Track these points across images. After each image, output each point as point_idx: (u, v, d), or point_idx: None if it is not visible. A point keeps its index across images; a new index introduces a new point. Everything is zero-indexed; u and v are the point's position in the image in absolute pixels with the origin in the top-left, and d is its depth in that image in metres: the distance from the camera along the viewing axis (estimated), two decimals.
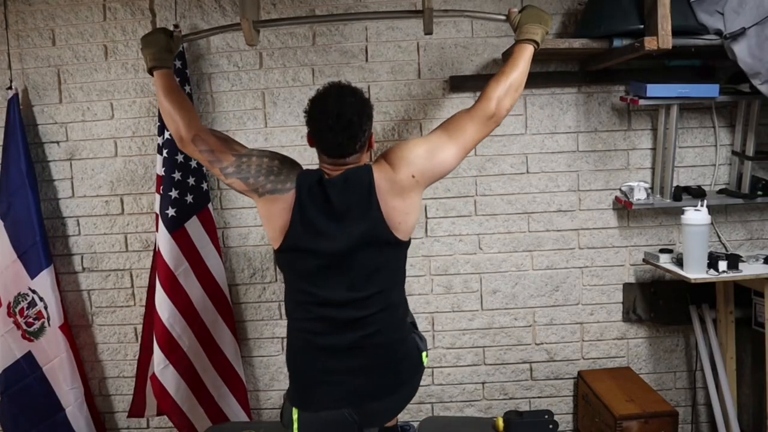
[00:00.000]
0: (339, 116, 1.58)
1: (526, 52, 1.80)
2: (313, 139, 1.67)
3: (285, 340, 2.75)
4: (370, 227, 1.62)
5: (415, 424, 2.35)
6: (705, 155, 2.64)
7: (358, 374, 1.66)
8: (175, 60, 2.20)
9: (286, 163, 1.71)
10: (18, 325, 2.60)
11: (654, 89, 2.34)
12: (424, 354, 1.79)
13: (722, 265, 2.25)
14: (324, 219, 1.62)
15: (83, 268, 2.75)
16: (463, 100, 2.60)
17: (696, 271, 2.27)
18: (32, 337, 2.61)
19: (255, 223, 2.70)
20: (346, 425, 1.66)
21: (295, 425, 1.70)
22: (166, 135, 2.47)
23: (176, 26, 2.46)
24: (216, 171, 1.74)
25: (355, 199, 1.62)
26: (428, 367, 2.74)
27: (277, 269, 2.72)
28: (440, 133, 1.71)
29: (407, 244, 1.71)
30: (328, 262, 1.64)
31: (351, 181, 1.62)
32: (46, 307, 2.57)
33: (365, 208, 1.61)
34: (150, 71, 1.90)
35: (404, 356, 1.73)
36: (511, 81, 1.73)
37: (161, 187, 2.51)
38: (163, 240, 2.49)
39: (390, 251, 1.67)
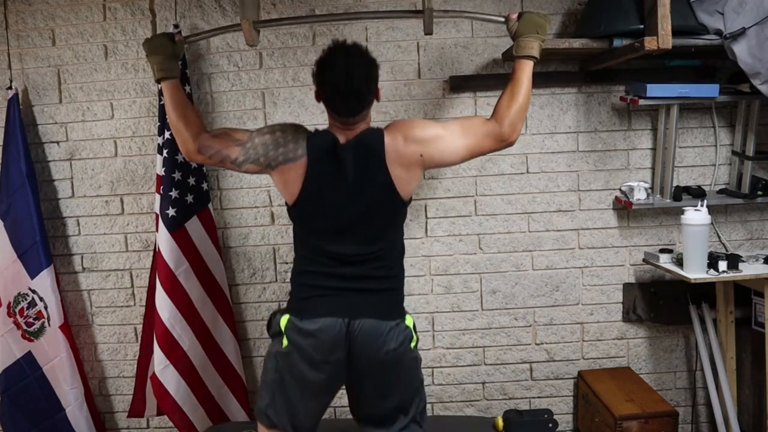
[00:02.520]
0: (348, 84, 1.63)
1: (527, 70, 1.82)
2: (322, 101, 1.73)
3: None
4: (379, 191, 1.72)
5: None
6: (705, 155, 2.64)
7: (356, 294, 1.76)
8: None
9: (290, 131, 1.76)
10: (18, 325, 2.60)
11: (654, 89, 2.34)
12: (408, 317, 1.82)
13: (722, 265, 2.26)
14: (337, 183, 1.72)
15: (83, 268, 2.75)
16: (463, 100, 2.61)
17: (696, 271, 2.27)
18: (32, 337, 2.61)
19: (255, 223, 2.70)
20: (334, 333, 1.72)
21: (284, 334, 1.74)
22: (166, 135, 2.47)
23: (176, 26, 2.47)
24: (230, 166, 1.81)
25: (367, 163, 1.71)
26: (428, 367, 2.74)
27: (278, 270, 2.72)
28: (457, 127, 1.79)
29: (409, 202, 1.82)
30: (340, 223, 1.74)
31: (363, 146, 1.72)
32: (46, 307, 2.57)
33: (375, 173, 1.71)
34: (158, 81, 1.91)
35: (395, 290, 1.83)
36: (521, 103, 1.78)
37: (161, 187, 2.51)
38: (163, 240, 2.49)
39: (395, 211, 1.80)
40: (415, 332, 1.82)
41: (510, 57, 2.18)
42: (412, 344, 1.79)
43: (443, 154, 1.75)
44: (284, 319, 1.76)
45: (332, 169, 1.71)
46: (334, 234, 1.75)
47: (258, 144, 1.75)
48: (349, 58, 1.65)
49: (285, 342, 1.74)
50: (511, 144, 1.80)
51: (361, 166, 1.71)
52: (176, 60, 1.94)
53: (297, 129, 1.78)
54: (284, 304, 2.71)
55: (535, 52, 1.83)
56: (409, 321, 1.81)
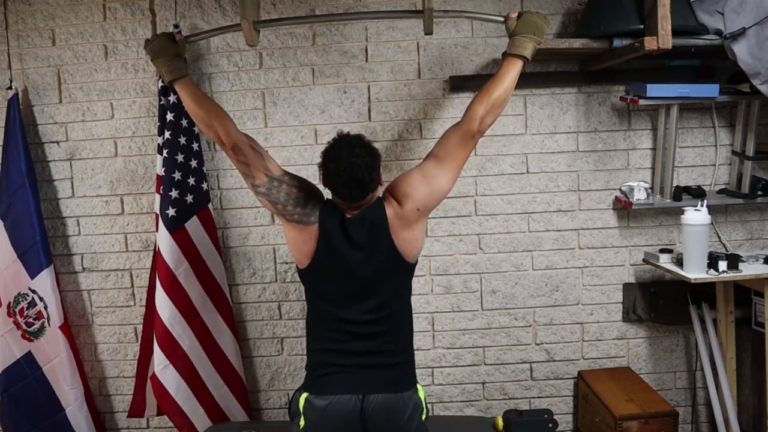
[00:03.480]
0: (351, 177, 1.71)
1: (514, 68, 1.84)
2: (328, 188, 1.80)
3: (284, 340, 2.76)
4: (386, 258, 1.79)
5: None
6: (705, 155, 2.64)
7: (368, 370, 1.80)
8: None
9: (311, 195, 1.83)
10: (18, 325, 2.60)
11: (654, 89, 2.34)
12: (419, 386, 1.87)
13: (722, 265, 2.26)
14: (346, 253, 1.78)
15: (83, 268, 2.75)
16: (463, 100, 2.60)
17: (696, 271, 2.27)
18: (32, 337, 2.61)
19: (255, 223, 2.70)
20: (350, 409, 1.76)
21: (302, 411, 1.80)
22: (166, 135, 2.47)
23: (176, 26, 2.46)
24: (247, 181, 1.86)
25: (372, 235, 1.78)
26: (428, 367, 2.74)
27: (278, 270, 2.72)
28: (433, 162, 1.84)
29: (416, 264, 1.89)
30: (349, 289, 1.80)
31: (368, 220, 1.78)
32: (46, 307, 2.57)
33: (381, 243, 1.78)
34: (170, 83, 1.92)
35: (405, 362, 1.86)
36: (494, 99, 1.82)
37: (161, 187, 2.51)
38: (163, 240, 2.49)
39: (402, 275, 1.87)
40: (426, 404, 1.87)
41: None
42: (423, 417, 1.84)
43: (434, 194, 1.82)
44: (302, 399, 1.82)
45: (341, 241, 1.78)
46: (344, 300, 1.81)
47: (283, 190, 1.81)
48: (351, 150, 1.72)
49: (302, 422, 1.80)
50: (480, 136, 1.85)
51: (367, 238, 1.78)
52: (181, 59, 1.95)
53: (316, 195, 1.85)
54: (284, 305, 2.74)
55: (527, 53, 1.84)
56: (420, 392, 1.85)
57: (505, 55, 1.84)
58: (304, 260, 1.81)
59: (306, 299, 1.92)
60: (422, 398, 1.85)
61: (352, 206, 1.79)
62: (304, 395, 1.81)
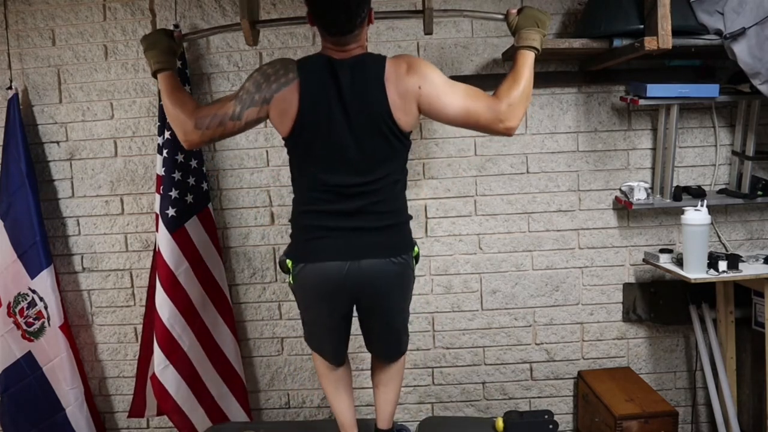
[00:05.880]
0: None
1: (529, 60, 1.80)
2: (312, 17, 1.70)
3: (284, 340, 2.76)
4: (377, 111, 1.68)
5: (415, 424, 2.34)
6: (705, 155, 2.64)
7: (358, 233, 1.76)
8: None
9: (278, 62, 1.76)
10: (18, 325, 2.60)
11: (654, 89, 2.34)
12: (415, 247, 1.87)
13: (722, 265, 2.25)
14: (333, 100, 1.67)
15: (83, 268, 2.75)
16: None
17: (696, 271, 2.27)
18: (32, 337, 2.61)
19: (255, 223, 2.70)
20: (339, 277, 1.75)
21: (291, 271, 1.81)
22: (166, 135, 2.47)
23: (176, 26, 2.46)
24: (230, 127, 1.76)
25: (364, 82, 1.67)
26: (428, 367, 2.74)
27: (278, 270, 2.72)
28: (461, 87, 1.74)
29: (409, 139, 1.79)
30: (336, 147, 1.70)
31: (363, 65, 1.69)
32: (46, 307, 2.57)
33: (372, 91, 1.67)
34: (154, 74, 1.90)
35: (401, 224, 1.83)
36: (522, 89, 1.73)
37: (161, 187, 2.51)
38: (163, 240, 2.49)
39: (394, 138, 1.73)
40: (416, 259, 1.88)
41: (510, 57, 2.19)
42: (413, 266, 1.86)
43: (440, 101, 1.70)
44: (289, 263, 1.81)
45: (327, 84, 1.68)
46: (331, 161, 1.72)
47: (250, 86, 1.72)
48: None
49: (292, 280, 1.82)
50: (507, 130, 1.72)
51: (357, 83, 1.67)
52: (173, 55, 1.92)
53: (285, 59, 1.77)
54: (284, 304, 2.74)
55: (537, 44, 1.81)
56: (415, 251, 1.86)
57: (505, 56, 1.82)
58: (288, 124, 1.71)
59: (291, 174, 1.84)
60: (414, 255, 1.85)
61: (339, 44, 1.68)
62: (290, 261, 1.80)
